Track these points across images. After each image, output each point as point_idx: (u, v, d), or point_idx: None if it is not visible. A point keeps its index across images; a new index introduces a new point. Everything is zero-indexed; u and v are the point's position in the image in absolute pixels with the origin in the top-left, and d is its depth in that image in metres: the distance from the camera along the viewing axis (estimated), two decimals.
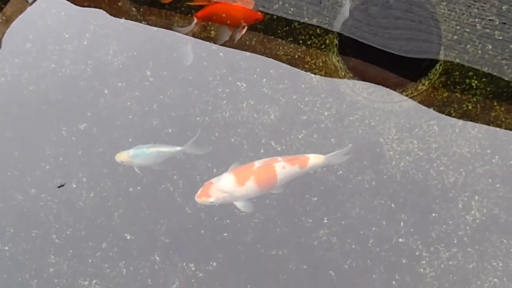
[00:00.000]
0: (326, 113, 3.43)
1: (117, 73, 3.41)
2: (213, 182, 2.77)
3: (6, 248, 2.87)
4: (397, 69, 3.37)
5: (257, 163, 2.81)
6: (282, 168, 2.80)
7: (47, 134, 3.17)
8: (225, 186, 2.73)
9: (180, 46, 3.44)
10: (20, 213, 2.96)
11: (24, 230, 2.92)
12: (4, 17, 3.33)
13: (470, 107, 3.34)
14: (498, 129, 3.29)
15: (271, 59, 3.47)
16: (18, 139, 3.14)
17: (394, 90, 3.38)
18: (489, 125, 3.30)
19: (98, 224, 3.00)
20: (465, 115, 3.35)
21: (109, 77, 3.39)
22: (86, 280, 2.86)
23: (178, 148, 2.93)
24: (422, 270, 3.09)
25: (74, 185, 3.07)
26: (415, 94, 3.41)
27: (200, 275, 2.94)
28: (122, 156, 2.92)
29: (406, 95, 3.40)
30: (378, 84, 3.37)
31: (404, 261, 3.11)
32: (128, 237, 2.98)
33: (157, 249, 2.96)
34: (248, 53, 3.47)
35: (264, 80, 3.44)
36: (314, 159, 2.89)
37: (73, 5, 3.50)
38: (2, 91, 3.27)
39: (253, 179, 2.74)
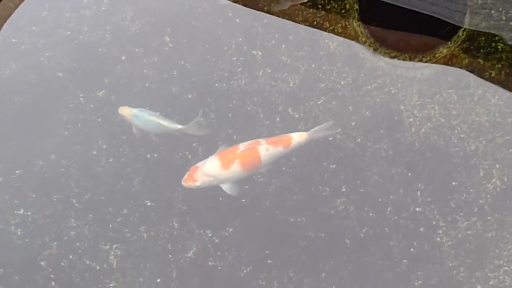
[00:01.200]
0: (342, 82, 3.38)
1: (135, 39, 3.39)
2: (198, 166, 2.83)
3: (29, 213, 2.93)
4: (419, 34, 3.29)
5: (241, 146, 2.85)
6: (266, 150, 2.85)
7: (65, 101, 3.19)
8: (210, 170, 2.80)
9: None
10: (41, 179, 3.00)
11: (45, 195, 2.97)
12: None
13: (493, 74, 3.26)
14: None
15: (289, 25, 3.41)
16: (36, 105, 3.16)
17: (416, 55, 3.31)
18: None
19: (118, 190, 3.03)
20: (487, 82, 3.28)
21: (127, 43, 3.38)
22: (107, 244, 2.91)
23: (179, 126, 2.96)
24: (439, 239, 3.08)
25: (94, 152, 3.10)
26: (436, 60, 3.33)
27: (216, 241, 2.98)
28: (124, 111, 3.00)
29: (428, 61, 3.33)
30: (400, 50, 3.30)
31: (421, 230, 3.11)
32: (148, 204, 3.01)
33: (175, 215, 3.00)
34: (265, 20, 3.42)
35: (283, 46, 3.39)
36: (298, 138, 2.93)
37: None
38: (20, 59, 3.28)
39: (237, 162, 2.80)
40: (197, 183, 2.79)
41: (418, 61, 3.32)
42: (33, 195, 2.96)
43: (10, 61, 3.26)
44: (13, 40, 3.30)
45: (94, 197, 2.99)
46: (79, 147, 3.09)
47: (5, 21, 3.30)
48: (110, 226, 2.95)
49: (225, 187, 2.85)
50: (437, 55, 3.32)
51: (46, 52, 3.27)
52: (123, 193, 3.03)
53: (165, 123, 2.97)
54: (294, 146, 2.93)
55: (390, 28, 3.32)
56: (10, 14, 3.32)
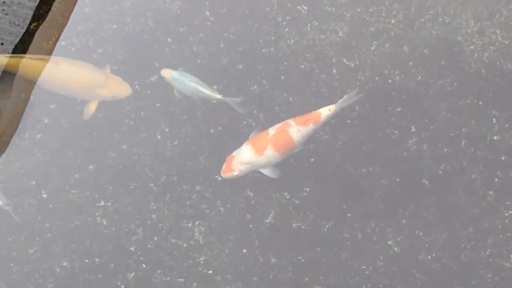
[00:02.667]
0: (393, 21, 3.25)
1: (177, 19, 3.40)
2: (234, 155, 2.86)
3: (109, 203, 3.03)
4: None
5: (272, 130, 2.87)
6: (297, 131, 2.86)
7: None
8: (245, 158, 2.83)
9: None
10: (116, 170, 3.09)
11: (122, 185, 3.06)
12: None
13: None
14: None
15: None
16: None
17: None
18: None
19: (188, 168, 3.07)
20: None
21: (170, 25, 3.39)
22: (189, 222, 2.97)
23: (218, 96, 3.00)
24: None
25: (159, 136, 3.15)
26: None
27: (296, 202, 2.97)
28: (166, 73, 3.09)
29: None
30: None
31: (503, 158, 2.98)
32: (219, 178, 3.04)
33: (249, 184, 3.02)
34: None
35: None
36: (326, 112, 2.91)
37: None
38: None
39: (270, 147, 2.83)
40: (235, 172, 2.84)
41: None
42: (110, 187, 3.05)
43: None
44: (62, 43, 3.38)
45: (169, 179, 3.04)
46: (146, 134, 3.16)
47: (52, 26, 3.39)
48: (188, 203, 3.00)
49: (265, 171, 2.89)
50: None
51: (98, 49, 3.34)
52: (192, 171, 3.07)
53: (205, 90, 2.99)
54: (324, 120, 2.93)
55: None
56: (55, 18, 3.40)
